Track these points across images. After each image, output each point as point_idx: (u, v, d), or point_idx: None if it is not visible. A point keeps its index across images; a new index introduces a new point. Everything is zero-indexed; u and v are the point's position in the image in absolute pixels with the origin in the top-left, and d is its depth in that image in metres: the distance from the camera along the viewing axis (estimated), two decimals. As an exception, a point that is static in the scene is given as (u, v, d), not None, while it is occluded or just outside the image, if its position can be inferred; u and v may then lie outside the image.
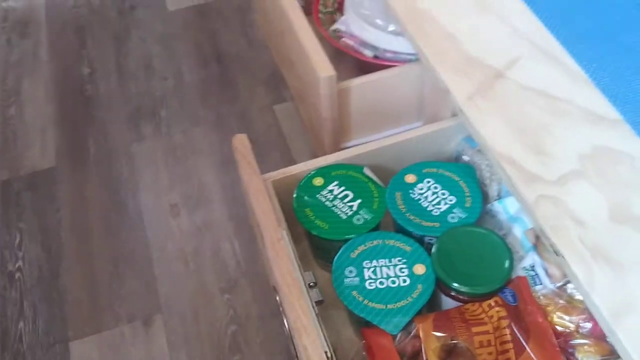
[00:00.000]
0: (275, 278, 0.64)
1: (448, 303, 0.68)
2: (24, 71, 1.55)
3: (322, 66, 0.82)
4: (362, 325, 0.67)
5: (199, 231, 1.19)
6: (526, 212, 0.63)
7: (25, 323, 1.10)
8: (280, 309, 0.67)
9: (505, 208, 0.75)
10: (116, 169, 1.31)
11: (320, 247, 0.76)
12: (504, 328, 0.62)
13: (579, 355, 0.63)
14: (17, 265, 1.17)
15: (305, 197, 0.75)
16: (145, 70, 1.51)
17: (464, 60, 0.75)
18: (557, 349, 0.62)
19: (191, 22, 1.62)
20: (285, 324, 0.66)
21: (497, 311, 0.63)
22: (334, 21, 1.03)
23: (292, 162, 1.24)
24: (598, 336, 0.63)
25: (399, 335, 0.64)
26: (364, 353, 0.66)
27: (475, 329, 0.62)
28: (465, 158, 0.80)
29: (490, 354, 0.62)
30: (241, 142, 0.74)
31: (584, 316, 0.64)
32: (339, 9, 1.05)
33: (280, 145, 1.31)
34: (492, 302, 0.64)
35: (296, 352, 0.69)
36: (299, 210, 0.75)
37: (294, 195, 0.76)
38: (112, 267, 1.15)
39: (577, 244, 0.59)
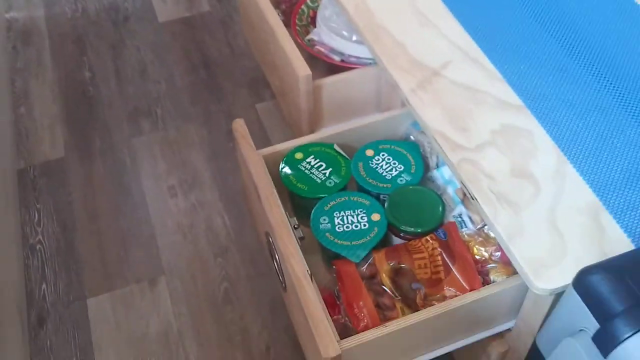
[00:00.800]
0: (269, 223, 0.87)
1: (396, 241, 0.91)
2: (30, 75, 1.74)
3: (301, 67, 1.04)
4: (332, 258, 0.89)
5: (194, 208, 1.40)
6: (452, 171, 0.86)
7: (47, 285, 1.29)
8: (272, 247, 0.89)
9: (441, 174, 0.99)
10: (119, 158, 1.51)
11: (300, 204, 0.98)
12: (437, 256, 0.86)
13: (491, 276, 0.86)
14: (37, 239, 1.37)
15: (289, 167, 0.98)
16: (141, 75, 1.71)
17: (409, 62, 0.99)
18: (475, 270, 0.85)
19: (180, 32, 1.83)
20: (277, 258, 0.89)
21: (432, 243, 0.86)
22: (307, 32, 1.26)
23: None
24: (505, 261, 0.86)
25: (360, 264, 0.87)
26: (333, 275, 0.88)
27: (415, 256, 0.85)
28: (412, 138, 1.04)
29: (425, 273, 0.85)
30: (240, 125, 0.96)
31: (495, 247, 0.87)
32: (312, 22, 1.28)
33: (262, 137, 1.53)
34: (428, 237, 0.87)
35: (283, 281, 0.92)
36: (284, 177, 0.97)
37: (281, 166, 0.98)
38: (119, 239, 1.36)
39: (487, 192, 0.82)
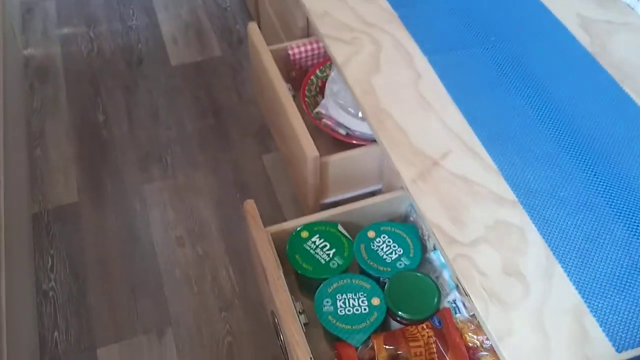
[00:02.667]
0: (275, 306, 0.93)
1: (395, 325, 0.97)
2: (47, 115, 1.80)
3: (309, 148, 1.11)
4: (335, 340, 0.96)
5: (201, 259, 1.47)
6: (447, 265, 0.93)
7: (59, 332, 1.35)
8: (277, 328, 0.96)
9: (438, 257, 1.05)
10: (130, 205, 1.57)
11: (305, 283, 1.04)
12: (432, 344, 0.92)
13: (481, 363, 0.92)
14: (50, 285, 1.43)
15: (295, 246, 1.04)
16: (152, 119, 1.78)
17: (411, 151, 1.05)
18: (467, 358, 0.91)
19: (191, 77, 1.90)
20: (281, 339, 0.95)
21: (427, 332, 0.93)
22: (316, 102, 1.32)
23: (277, 204, 1.53)
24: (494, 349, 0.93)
25: (360, 348, 0.93)
26: (334, 356, 0.94)
27: (412, 344, 0.92)
28: (411, 219, 1.10)
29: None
30: (251, 206, 1.03)
31: (487, 336, 0.94)
32: (320, 92, 1.35)
33: (268, 189, 1.60)
34: (424, 325, 0.94)
35: (286, 356, 0.98)
36: (290, 255, 1.03)
37: (287, 245, 1.04)
38: (129, 288, 1.42)
39: (479, 288, 0.88)
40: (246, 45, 1.97)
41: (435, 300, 0.97)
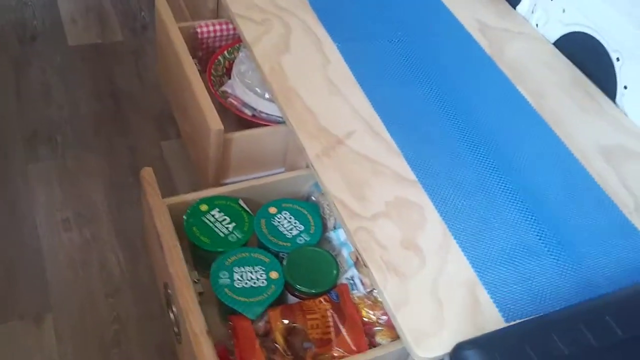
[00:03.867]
0: (169, 275, 0.88)
1: (292, 300, 0.96)
2: None
3: (213, 121, 1.08)
4: (229, 313, 0.92)
5: (88, 244, 1.38)
6: (348, 237, 0.93)
7: None
8: (169, 300, 0.91)
9: (337, 236, 1.05)
10: (13, 184, 1.46)
11: (201, 256, 1.00)
12: (329, 317, 0.91)
13: (377, 338, 0.92)
14: None
15: (193, 218, 1.00)
16: (44, 98, 1.67)
17: (316, 128, 1.05)
18: (363, 333, 0.91)
19: (89, 58, 1.81)
20: (173, 311, 0.90)
21: (324, 305, 0.92)
22: (222, 83, 1.30)
23: (175, 191, 1.47)
24: (390, 325, 0.93)
25: (256, 320, 0.90)
26: (229, 331, 0.91)
27: (309, 316, 0.90)
28: (313, 198, 1.10)
29: (317, 333, 0.90)
30: (149, 174, 0.98)
31: (382, 311, 0.94)
32: (227, 73, 1.32)
33: (165, 176, 1.54)
34: (321, 299, 0.92)
35: (178, 333, 0.93)
36: (188, 228, 0.99)
37: (184, 217, 1.00)
38: (4, 270, 1.31)
39: (378, 260, 0.89)
40: (150, 31, 1.91)
41: (334, 273, 0.96)
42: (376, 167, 1.01)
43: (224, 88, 1.26)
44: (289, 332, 0.90)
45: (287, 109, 1.07)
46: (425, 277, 0.88)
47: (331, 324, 0.91)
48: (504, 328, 0.78)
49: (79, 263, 1.34)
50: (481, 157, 1.05)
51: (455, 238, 0.93)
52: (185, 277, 0.87)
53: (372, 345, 0.91)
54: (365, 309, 0.95)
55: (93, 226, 1.41)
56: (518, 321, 0.84)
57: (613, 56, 1.21)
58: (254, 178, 1.09)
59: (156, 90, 1.73)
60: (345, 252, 1.02)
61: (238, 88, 1.24)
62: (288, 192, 1.10)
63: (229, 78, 1.30)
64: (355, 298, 0.96)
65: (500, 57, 1.27)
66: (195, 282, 0.91)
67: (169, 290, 0.92)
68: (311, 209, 1.05)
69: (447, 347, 0.79)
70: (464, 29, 1.33)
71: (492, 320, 0.84)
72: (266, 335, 0.90)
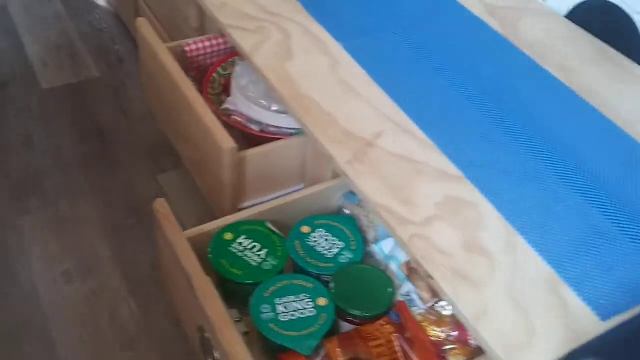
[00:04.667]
0: (206, 317, 0.76)
1: (346, 327, 0.84)
2: None
3: (224, 140, 0.97)
4: (279, 351, 0.80)
5: (94, 294, 1.25)
6: (403, 248, 0.81)
7: None
8: (208, 346, 0.79)
9: (381, 249, 0.93)
10: (4, 242, 1.33)
11: (234, 292, 0.88)
12: (394, 341, 0.79)
13: (450, 358, 0.81)
14: None
15: (219, 250, 0.88)
16: (25, 146, 1.55)
17: (341, 133, 0.94)
18: (435, 354, 0.80)
19: (67, 99, 1.69)
20: (216, 357, 0.78)
21: (387, 328, 0.80)
22: (220, 101, 1.18)
23: (183, 228, 1.35)
24: (462, 341, 0.82)
25: (311, 357, 0.78)
26: (282, 375, 0.79)
27: (372, 343, 0.79)
28: (347, 211, 0.98)
29: (384, 362, 0.78)
30: (162, 206, 0.86)
31: (450, 327, 0.83)
32: (224, 91, 1.21)
33: (167, 211, 1.41)
34: (382, 321, 0.81)
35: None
36: (214, 261, 0.87)
37: (209, 249, 0.88)
38: (7, 334, 1.17)
39: (442, 269, 0.78)
40: (128, 63, 1.80)
41: (389, 291, 0.85)
42: (415, 166, 0.90)
43: (225, 106, 1.15)
44: (353, 365, 0.78)
45: (304, 117, 0.97)
46: (499, 282, 0.77)
47: (398, 349, 0.79)
48: (614, 329, 0.68)
49: (87, 317, 1.21)
50: (522, 141, 0.95)
51: (520, 234, 0.82)
52: (226, 317, 0.75)
53: (446, 366, 0.80)
54: (430, 326, 0.83)
55: (97, 275, 1.28)
56: (616, 318, 0.73)
57: (636, 18, 1.12)
58: (275, 198, 0.98)
59: (143, 122, 1.62)
60: (394, 266, 0.91)
61: (241, 104, 1.13)
62: (316, 208, 0.98)
63: (228, 95, 1.19)
64: (417, 316, 0.84)
65: (515, 37, 1.18)
66: (236, 321, 0.79)
67: (207, 335, 0.80)
68: (347, 222, 0.94)
69: (544, 357, 0.69)
70: (470, 12, 1.24)
71: (587, 320, 0.73)
72: (326, 373, 0.78)
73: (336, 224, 0.94)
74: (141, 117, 1.63)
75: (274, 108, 1.11)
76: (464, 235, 0.82)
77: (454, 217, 0.84)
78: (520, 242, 0.82)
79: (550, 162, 0.92)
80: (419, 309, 0.85)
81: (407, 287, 0.88)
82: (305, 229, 0.92)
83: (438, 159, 0.92)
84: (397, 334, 0.80)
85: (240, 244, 0.90)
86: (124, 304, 1.23)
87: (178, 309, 0.97)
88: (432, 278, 0.77)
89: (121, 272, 1.29)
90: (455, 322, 0.83)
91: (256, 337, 0.83)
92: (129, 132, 1.60)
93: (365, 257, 0.94)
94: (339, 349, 0.78)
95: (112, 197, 1.44)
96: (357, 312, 0.82)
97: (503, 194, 0.87)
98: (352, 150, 0.92)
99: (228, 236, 0.90)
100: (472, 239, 0.81)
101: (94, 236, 1.35)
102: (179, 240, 0.83)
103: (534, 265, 0.79)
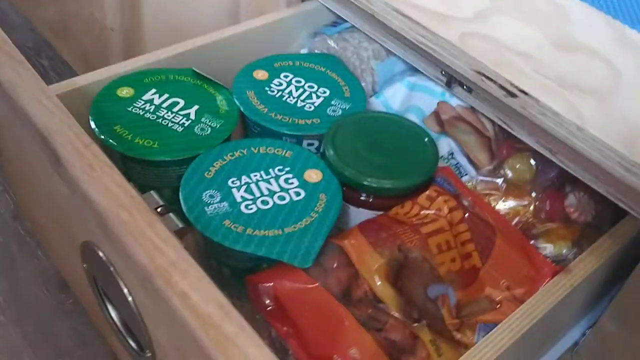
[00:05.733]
0: (97, 212, 0.36)
1: (356, 214, 0.46)
2: None
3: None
4: (245, 271, 0.42)
5: None
6: (452, 54, 0.45)
7: None
8: (108, 270, 0.39)
9: (385, 103, 0.56)
10: None
11: (148, 177, 0.48)
12: (460, 223, 0.43)
13: (546, 245, 0.46)
14: None
15: (111, 115, 0.48)
16: None
17: None
18: (524, 237, 0.44)
19: None
20: (123, 287, 0.38)
21: (445, 200, 0.43)
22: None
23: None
24: (561, 217, 0.47)
25: (313, 271, 0.40)
26: (257, 316, 0.40)
27: (425, 229, 0.42)
28: (325, 51, 0.60)
29: (453, 260, 0.42)
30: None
31: (533, 196, 0.48)
32: None
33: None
34: (431, 192, 0.44)
35: (141, 343, 0.41)
36: (103, 129, 0.47)
37: (91, 110, 0.48)
38: None
39: (535, 76, 0.42)
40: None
41: (427, 141, 0.48)
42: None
43: None
44: (397, 270, 0.41)
45: None
46: (630, 87, 0.43)
47: (469, 236, 0.43)
48: None
49: None
50: None
51: (625, 23, 0.49)
52: (141, 203, 0.35)
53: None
54: (501, 201, 0.48)
55: None
56: None
57: None
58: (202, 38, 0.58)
59: None
60: (414, 118, 0.54)
61: None
62: (266, 51, 0.59)
63: None
64: (477, 189, 0.49)
65: None
66: (160, 213, 0.40)
67: (101, 252, 0.39)
68: (328, 62, 0.57)
69: None
70: None
71: None
72: (346, 296, 0.40)
73: (311, 65, 0.56)
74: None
75: None
76: (541, 30, 0.47)
77: (517, 9, 0.49)
78: (633, 34, 0.48)
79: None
80: (472, 180, 0.50)
81: (447, 146, 0.52)
82: (260, 74, 0.54)
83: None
84: (462, 210, 0.43)
85: (149, 101, 0.50)
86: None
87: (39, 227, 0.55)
88: (517, 95, 0.41)
89: None
90: (541, 189, 0.48)
91: (196, 247, 0.44)
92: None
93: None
94: (368, 246, 0.40)
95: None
96: (385, 183, 0.45)
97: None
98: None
99: (125, 92, 0.50)
100: (563, 35, 0.47)
101: None
102: (34, 93, 0.42)
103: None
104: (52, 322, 0.62)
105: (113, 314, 0.43)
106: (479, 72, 0.43)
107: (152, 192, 0.42)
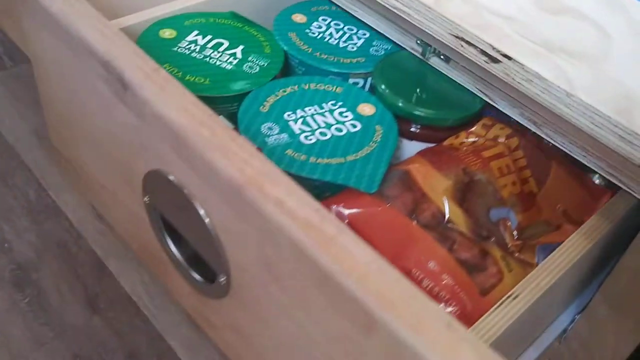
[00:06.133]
0: (174, 132, 0.36)
1: (411, 149, 0.47)
2: None
3: None
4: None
5: None
6: (428, 18, 0.43)
7: None
8: (183, 192, 0.38)
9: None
10: None
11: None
12: (516, 150, 0.44)
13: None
14: None
15: (156, 52, 0.48)
16: None
17: None
18: (576, 165, 0.45)
19: None
20: (199, 209, 0.38)
21: (501, 128, 0.44)
22: None
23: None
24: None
25: (380, 195, 0.41)
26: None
27: (487, 153, 0.42)
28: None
29: (514, 184, 0.42)
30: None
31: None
32: None
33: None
34: (486, 120, 0.45)
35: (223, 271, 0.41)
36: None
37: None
38: None
39: (520, 40, 0.42)
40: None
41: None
42: None
43: None
44: (463, 192, 0.41)
45: None
46: (622, 51, 0.44)
47: (525, 163, 0.44)
48: None
49: None
50: None
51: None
52: (216, 118, 0.35)
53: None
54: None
55: None
56: None
57: None
58: None
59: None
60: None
61: None
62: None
63: None
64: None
65: None
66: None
67: (172, 177, 0.39)
68: (361, 8, 0.57)
69: None
70: None
71: None
72: (413, 218, 0.41)
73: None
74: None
75: None
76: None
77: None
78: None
79: None
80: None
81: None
82: (299, 18, 0.54)
83: None
84: (518, 138, 0.44)
85: (193, 42, 0.49)
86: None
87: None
88: (501, 60, 0.41)
89: None
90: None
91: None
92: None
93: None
94: (433, 170, 0.41)
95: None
96: (439, 114, 0.45)
97: None
98: None
99: (168, 34, 0.50)
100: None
101: None
102: (95, 19, 0.41)
103: None
104: (5, 324, 0.56)
105: (174, 248, 0.43)
106: (457, 37, 0.42)
107: (222, 116, 0.42)
